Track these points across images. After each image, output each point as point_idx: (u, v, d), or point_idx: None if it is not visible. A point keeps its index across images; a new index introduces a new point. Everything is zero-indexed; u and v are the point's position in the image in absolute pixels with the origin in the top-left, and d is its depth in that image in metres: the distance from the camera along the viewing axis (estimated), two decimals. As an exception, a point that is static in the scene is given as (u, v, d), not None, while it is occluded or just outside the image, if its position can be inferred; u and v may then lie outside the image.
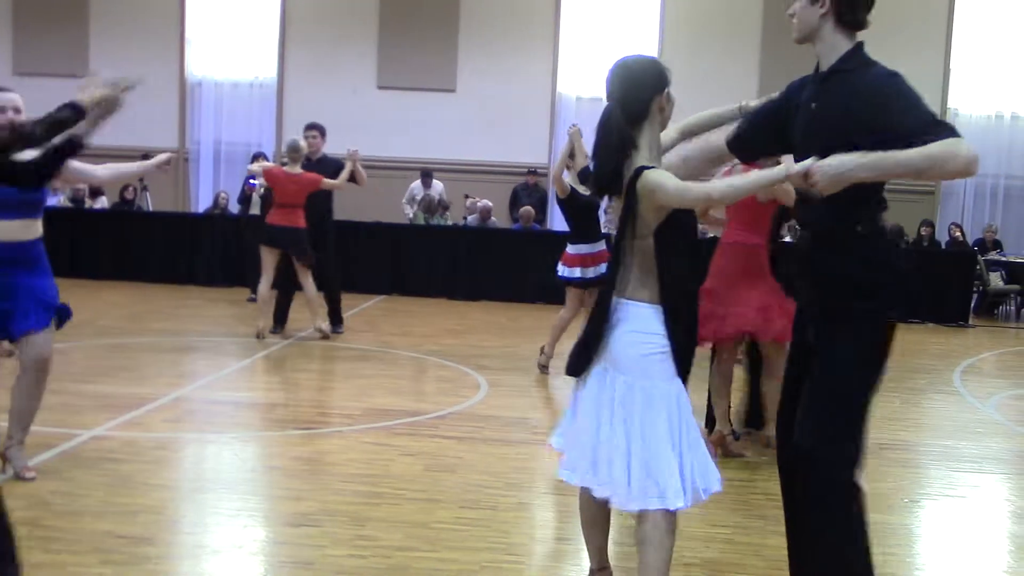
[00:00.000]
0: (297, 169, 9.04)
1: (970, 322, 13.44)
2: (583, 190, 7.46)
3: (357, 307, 12.19)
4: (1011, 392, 8.33)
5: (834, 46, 3.12)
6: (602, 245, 7.70)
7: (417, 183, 15.01)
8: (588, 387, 3.17)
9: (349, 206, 14.39)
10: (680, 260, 3.11)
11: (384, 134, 16.45)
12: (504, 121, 16.20)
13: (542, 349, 8.00)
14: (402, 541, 4.07)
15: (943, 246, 15.20)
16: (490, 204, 14.47)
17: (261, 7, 17.02)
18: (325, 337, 9.15)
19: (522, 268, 12.70)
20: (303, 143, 9.25)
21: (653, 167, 3.06)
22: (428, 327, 10.65)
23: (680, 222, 3.08)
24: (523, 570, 3.85)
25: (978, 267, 14.20)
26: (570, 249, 7.73)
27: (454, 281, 13.52)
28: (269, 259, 9.04)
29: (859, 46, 3.14)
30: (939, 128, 2.88)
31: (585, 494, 3.26)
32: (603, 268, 7.38)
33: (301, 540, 4.03)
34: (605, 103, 3.17)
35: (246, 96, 17.22)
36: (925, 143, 2.80)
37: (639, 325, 3.08)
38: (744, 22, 16.08)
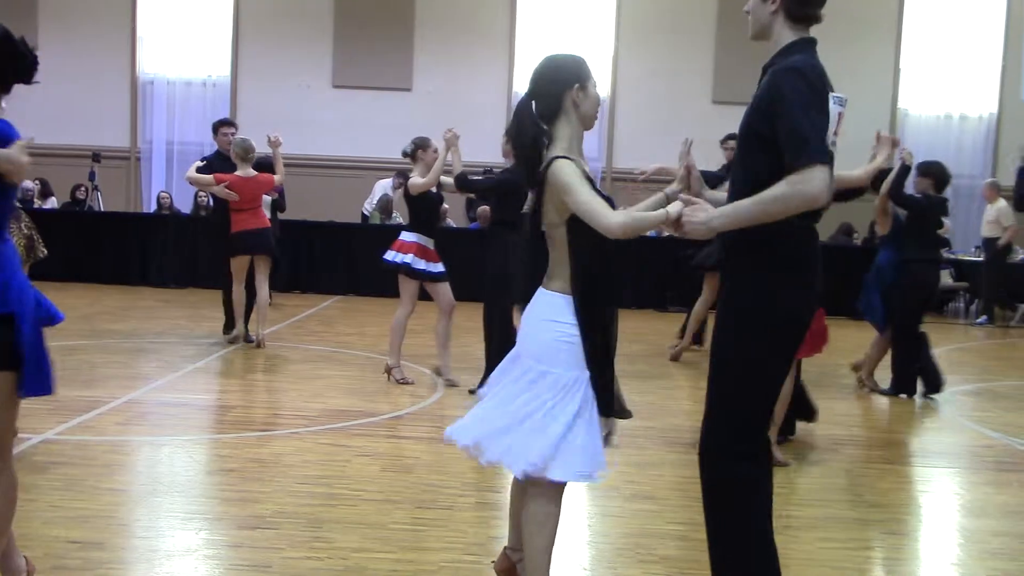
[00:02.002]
0: (250, 170, 8.78)
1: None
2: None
3: (313, 308, 12.13)
4: (961, 388, 8.48)
5: (781, 42, 3.12)
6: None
7: (387, 181, 14.87)
8: (501, 370, 3.33)
9: (304, 206, 14.33)
10: (592, 251, 3.11)
11: (339, 133, 16.39)
12: (460, 120, 16.06)
13: (388, 371, 7.57)
14: (359, 542, 4.05)
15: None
16: (446, 205, 14.42)
17: (214, 5, 16.88)
18: (259, 346, 8.81)
19: (478, 268, 12.67)
20: (253, 142, 9.01)
21: (567, 159, 3.10)
22: (384, 327, 10.57)
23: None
24: (481, 569, 3.84)
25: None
26: (405, 236, 7.45)
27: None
28: (241, 266, 8.84)
29: (799, 41, 3.10)
30: (799, 150, 2.84)
31: (516, 481, 3.33)
32: (441, 266, 7.44)
33: (257, 543, 3.99)
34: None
35: (199, 95, 17.05)
36: (787, 162, 2.85)
37: (550, 313, 3.14)
38: (699, 22, 16.20)
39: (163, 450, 5.54)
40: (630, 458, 5.63)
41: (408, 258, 7.29)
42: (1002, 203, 13.38)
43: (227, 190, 8.61)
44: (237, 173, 8.72)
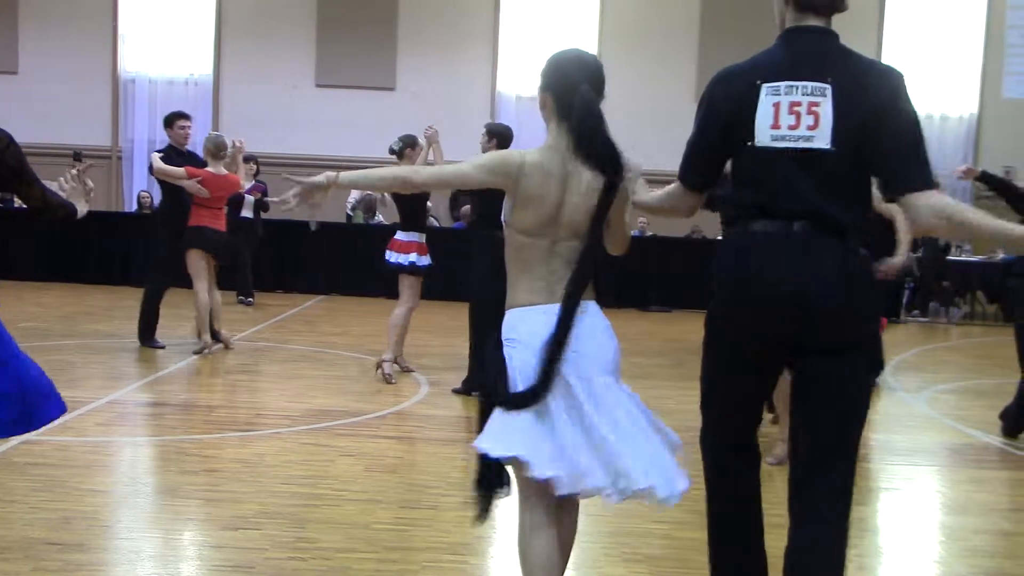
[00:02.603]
0: (221, 168, 8.57)
1: (902, 318, 13.75)
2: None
3: (295, 307, 12.10)
4: (942, 387, 8.53)
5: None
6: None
7: None
8: (555, 396, 2.84)
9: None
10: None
11: (322, 133, 16.35)
12: (444, 120, 16.05)
13: (379, 364, 7.53)
14: (343, 542, 4.04)
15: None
16: (429, 203, 14.42)
17: (196, 3, 16.81)
18: (227, 346, 8.71)
19: (462, 266, 12.67)
20: (226, 139, 8.81)
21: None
22: (368, 327, 10.59)
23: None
24: (465, 569, 3.84)
25: (911, 265, 14.50)
26: (402, 236, 7.61)
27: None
28: (202, 262, 8.47)
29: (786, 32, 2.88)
30: (929, 170, 2.79)
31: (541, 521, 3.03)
32: (428, 259, 7.61)
33: (240, 544, 3.98)
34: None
35: (181, 94, 16.96)
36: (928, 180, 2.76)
37: (601, 321, 2.96)
38: (682, 24, 16.24)
39: (145, 451, 5.51)
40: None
41: (412, 257, 7.52)
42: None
43: (199, 185, 8.32)
44: (209, 169, 8.50)
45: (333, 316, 11.53)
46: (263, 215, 12.63)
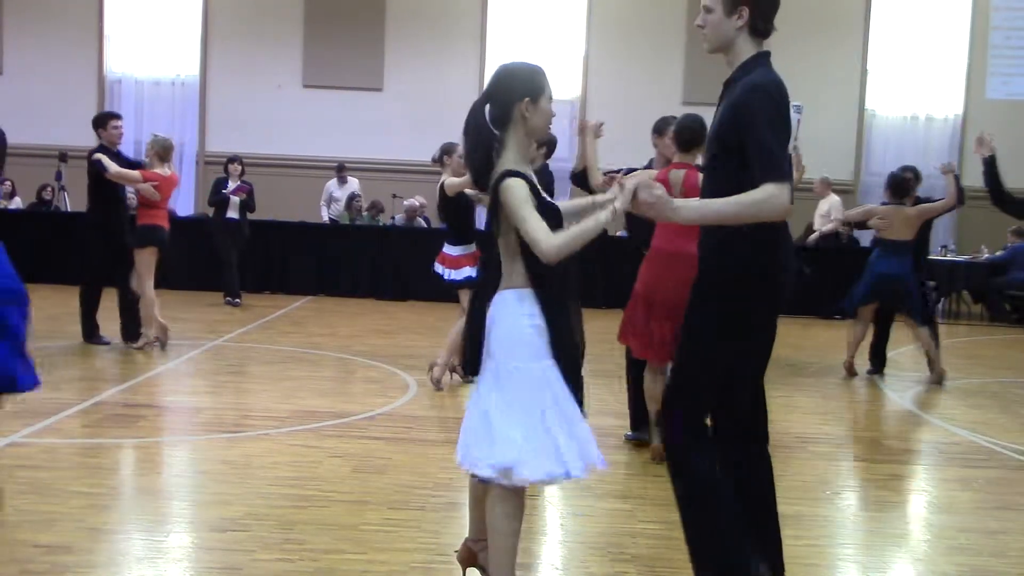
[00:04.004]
0: (167, 170, 8.78)
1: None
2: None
3: (283, 308, 12.08)
4: (929, 385, 8.56)
5: (742, 55, 3.29)
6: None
7: (333, 181, 14.83)
8: (481, 379, 3.31)
9: (274, 206, 14.27)
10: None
11: (310, 134, 16.32)
12: (432, 120, 16.13)
13: (431, 367, 7.44)
14: (330, 544, 4.03)
15: (866, 244, 15.56)
16: (417, 203, 14.42)
17: (183, 4, 16.75)
18: (142, 348, 8.62)
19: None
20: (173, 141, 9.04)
21: (516, 176, 3.15)
22: (355, 327, 10.58)
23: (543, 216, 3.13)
24: (453, 571, 3.84)
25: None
26: (454, 251, 7.42)
27: (381, 281, 13.46)
28: (152, 260, 8.62)
29: (758, 55, 3.29)
30: (764, 169, 3.05)
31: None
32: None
33: (228, 545, 3.97)
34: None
35: (167, 95, 16.92)
36: (757, 175, 3.06)
37: (511, 308, 3.21)
38: (670, 24, 16.26)
39: (131, 453, 5.49)
40: (603, 457, 5.64)
41: (467, 271, 7.33)
42: (834, 198, 14.06)
43: (153, 188, 8.50)
44: (157, 171, 8.65)
45: (321, 317, 11.51)
46: (249, 216, 12.60)
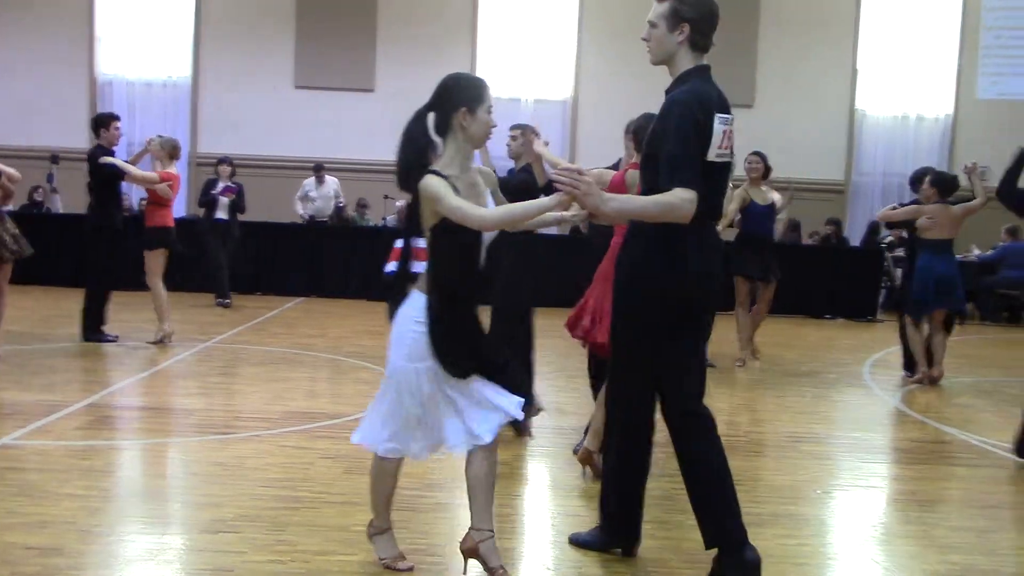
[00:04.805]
0: (174, 169, 9.13)
1: (878, 317, 13.86)
2: None
3: (274, 310, 12.07)
4: (917, 385, 8.59)
5: (680, 68, 3.62)
6: None
7: (310, 179, 14.78)
8: None
9: (266, 207, 14.25)
10: (450, 258, 3.42)
11: (301, 134, 16.31)
12: (424, 122, 16.18)
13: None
14: (322, 545, 4.04)
15: (856, 243, 15.62)
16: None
17: (174, 5, 16.72)
18: (161, 342, 8.86)
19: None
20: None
21: (436, 174, 3.36)
22: (346, 328, 10.58)
23: (454, 224, 3.35)
24: (443, 571, 3.85)
25: (885, 264, 14.64)
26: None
27: (371, 282, 13.45)
28: (162, 260, 9.04)
29: (696, 68, 3.59)
30: (671, 175, 3.40)
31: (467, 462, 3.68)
32: None
33: (219, 547, 3.97)
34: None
35: (159, 96, 16.90)
36: (664, 181, 3.41)
37: (409, 310, 3.48)
38: (659, 24, 16.29)
39: (123, 454, 5.49)
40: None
41: None
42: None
43: (168, 188, 8.90)
44: (169, 171, 9.02)
45: (312, 318, 11.51)
46: (239, 217, 12.60)
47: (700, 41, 3.58)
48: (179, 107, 16.83)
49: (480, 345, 3.57)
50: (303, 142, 16.20)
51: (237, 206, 12.44)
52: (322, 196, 14.61)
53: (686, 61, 3.60)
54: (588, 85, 16.41)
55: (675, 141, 3.40)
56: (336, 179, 14.95)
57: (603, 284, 5.42)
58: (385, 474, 3.79)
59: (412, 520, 4.40)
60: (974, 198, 8.36)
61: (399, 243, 7.03)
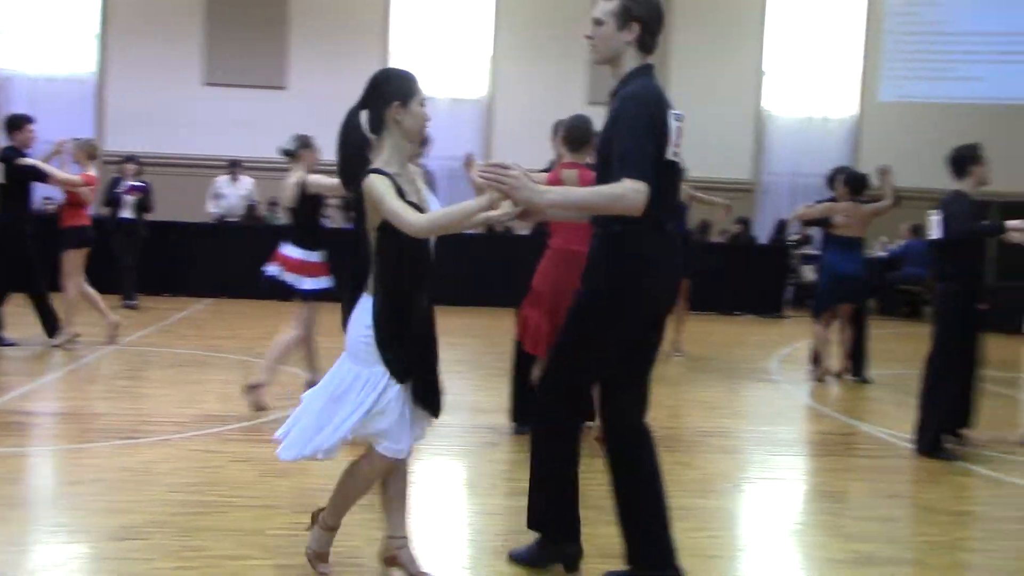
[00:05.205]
0: (92, 170, 9.10)
1: (786, 313, 14.18)
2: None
3: (183, 311, 11.83)
4: (826, 379, 8.81)
5: (626, 67, 3.51)
6: None
7: (224, 178, 14.52)
8: None
9: (175, 207, 13.95)
10: (398, 259, 3.34)
11: (211, 132, 16.01)
12: (337, 120, 15.96)
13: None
14: (234, 550, 3.97)
15: (764, 241, 15.93)
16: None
17: (77, -2, 16.25)
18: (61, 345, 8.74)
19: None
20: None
21: (379, 173, 3.29)
22: (258, 330, 10.42)
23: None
24: (362, 572, 3.82)
25: (792, 261, 14.99)
26: (303, 255, 6.78)
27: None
28: (82, 261, 8.99)
29: (643, 67, 3.51)
30: (622, 166, 3.27)
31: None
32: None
33: (126, 554, 3.88)
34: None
35: (62, 91, 16.38)
36: (616, 172, 3.27)
37: (358, 313, 3.41)
38: (575, 25, 16.37)
39: (27, 461, 5.33)
40: (509, 455, 5.68)
41: (326, 281, 6.80)
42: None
43: (88, 190, 8.89)
44: (90, 173, 9.00)
45: (223, 319, 11.31)
46: (147, 216, 12.32)
47: (648, 41, 3.51)
48: (84, 103, 16.36)
49: (428, 349, 3.48)
50: (214, 140, 15.90)
51: (144, 205, 12.17)
52: (236, 194, 14.36)
53: (632, 61, 3.50)
54: (504, 84, 16.44)
55: (628, 135, 3.29)
56: (251, 178, 14.72)
57: (552, 299, 5.42)
58: (375, 477, 3.65)
59: (326, 522, 4.35)
60: (883, 198, 8.58)
61: (288, 250, 6.87)
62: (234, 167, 14.40)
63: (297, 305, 6.85)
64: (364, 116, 3.42)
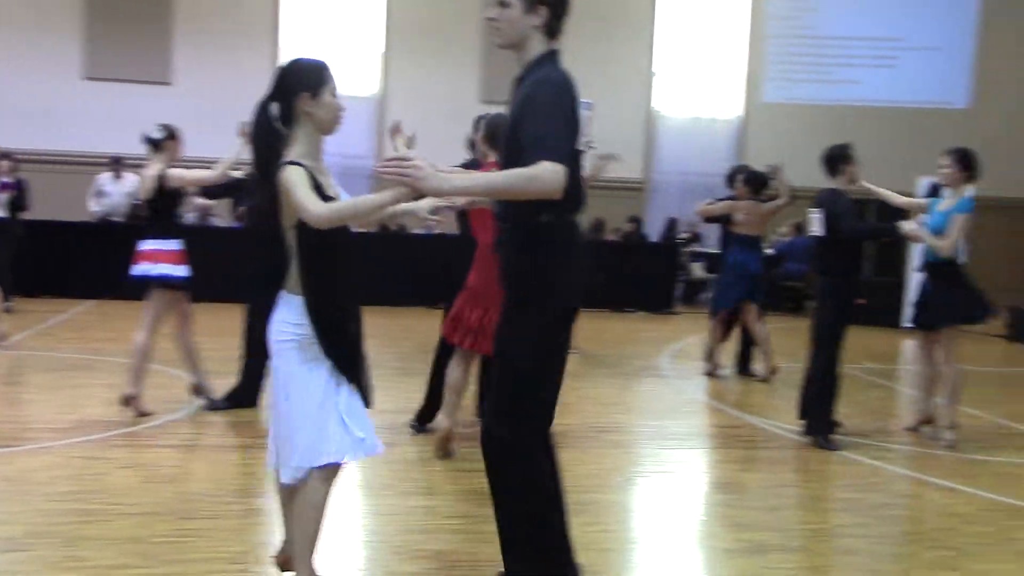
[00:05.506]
0: None
1: (676, 309, 14.44)
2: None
3: (63, 313, 11.41)
4: (716, 372, 9.00)
5: (533, 52, 3.36)
6: None
7: (106, 175, 14.03)
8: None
9: (53, 205, 13.43)
10: (320, 256, 3.23)
11: (93, 128, 15.45)
12: (225, 116, 15.51)
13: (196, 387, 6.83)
14: (116, 558, 3.84)
15: (655, 239, 16.20)
16: (210, 201, 13.92)
17: (-55, -13, 15.51)
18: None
19: (242, 267, 12.31)
20: None
21: (296, 164, 3.17)
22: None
23: None
24: (252, 577, 3.74)
25: (682, 258, 15.28)
26: (157, 245, 6.53)
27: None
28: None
29: (551, 52, 3.37)
30: (537, 148, 3.09)
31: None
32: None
33: (7, 567, 3.72)
34: None
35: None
36: (530, 156, 3.09)
37: (282, 314, 3.28)
38: (467, 23, 16.37)
39: None
40: (405, 455, 5.64)
41: (167, 268, 6.60)
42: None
43: None
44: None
45: (105, 321, 10.94)
46: (21, 215, 11.82)
47: (556, 25, 3.36)
48: (-46, 97, 15.63)
49: (358, 352, 3.38)
50: (96, 136, 15.35)
51: (18, 204, 11.68)
52: (119, 192, 13.88)
53: (539, 45, 3.35)
54: (396, 83, 16.33)
55: (544, 118, 3.14)
56: (136, 176, 14.24)
57: (486, 297, 5.35)
58: (326, 497, 3.33)
59: (215, 529, 4.26)
60: (779, 197, 8.74)
61: (144, 244, 6.67)
62: (117, 164, 13.91)
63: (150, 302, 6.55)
64: (274, 109, 3.26)
